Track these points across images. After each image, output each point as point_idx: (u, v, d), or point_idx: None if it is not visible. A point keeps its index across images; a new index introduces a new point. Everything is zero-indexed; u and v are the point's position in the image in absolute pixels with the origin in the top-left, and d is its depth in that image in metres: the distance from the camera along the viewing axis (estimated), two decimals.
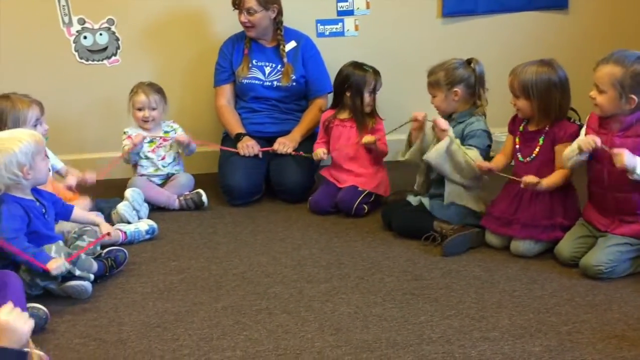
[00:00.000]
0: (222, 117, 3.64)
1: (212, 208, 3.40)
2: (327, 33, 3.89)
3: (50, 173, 2.86)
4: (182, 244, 2.99)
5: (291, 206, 3.37)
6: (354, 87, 3.22)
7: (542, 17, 3.94)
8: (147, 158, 3.45)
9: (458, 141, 2.78)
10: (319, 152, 3.31)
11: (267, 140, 3.56)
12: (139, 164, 3.47)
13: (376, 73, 3.27)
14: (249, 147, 3.45)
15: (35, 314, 2.27)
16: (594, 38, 3.92)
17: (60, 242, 2.50)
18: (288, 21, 3.62)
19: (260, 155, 3.47)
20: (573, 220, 2.70)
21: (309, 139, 3.51)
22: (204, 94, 3.80)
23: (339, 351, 2.11)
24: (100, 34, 3.77)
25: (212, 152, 3.74)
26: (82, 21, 3.73)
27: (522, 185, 2.65)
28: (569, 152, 2.55)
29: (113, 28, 3.77)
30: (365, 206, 3.19)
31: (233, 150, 3.47)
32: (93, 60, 3.81)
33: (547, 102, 2.63)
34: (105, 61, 3.82)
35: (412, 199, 3.03)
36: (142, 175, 3.45)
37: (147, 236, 3.04)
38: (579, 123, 2.69)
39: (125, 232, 2.98)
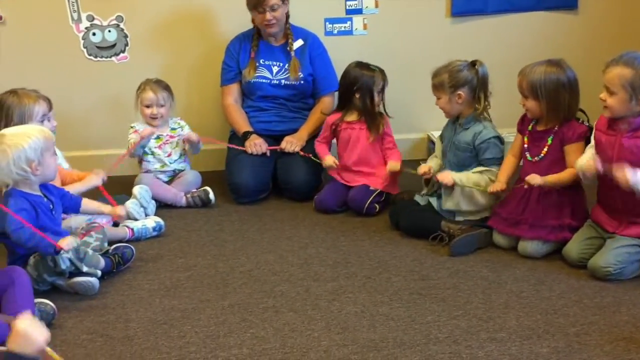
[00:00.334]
0: (229, 116, 3.64)
1: (219, 206, 3.40)
2: (335, 32, 3.88)
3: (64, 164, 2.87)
4: (189, 241, 2.99)
5: (298, 204, 3.37)
6: (364, 88, 3.20)
7: (551, 17, 3.92)
8: (153, 154, 3.45)
9: (463, 177, 2.80)
10: (329, 160, 3.30)
11: (274, 138, 3.56)
12: (144, 160, 3.48)
13: (382, 72, 3.26)
14: (256, 145, 3.45)
15: (43, 309, 2.28)
16: (603, 39, 3.90)
17: (72, 235, 2.50)
18: (297, 20, 3.61)
19: (268, 154, 3.47)
20: (581, 221, 2.69)
21: (316, 138, 3.50)
22: (211, 92, 3.80)
23: (346, 350, 2.11)
24: (109, 31, 3.77)
25: (219, 149, 3.74)
26: (91, 18, 3.74)
27: (525, 186, 2.64)
28: (581, 163, 2.54)
29: (122, 25, 3.77)
30: (377, 205, 3.18)
31: (241, 148, 3.47)
32: (101, 57, 3.81)
33: (555, 102, 2.62)
34: (113, 58, 3.82)
35: (420, 199, 3.02)
36: (147, 171, 3.46)
37: (154, 233, 3.05)
38: (587, 124, 2.68)
39: (132, 229, 2.99)
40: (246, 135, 3.52)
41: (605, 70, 2.46)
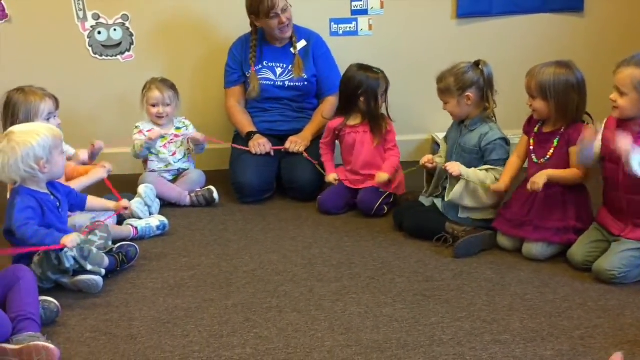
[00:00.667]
0: (232, 118, 3.64)
1: (223, 205, 3.40)
2: (340, 32, 3.88)
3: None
4: (192, 241, 2.99)
5: (302, 204, 3.37)
6: (370, 92, 3.18)
7: (557, 19, 3.92)
8: (158, 153, 3.46)
9: (470, 172, 2.79)
10: (330, 177, 3.31)
11: (278, 138, 3.56)
12: (149, 159, 3.48)
13: (384, 74, 3.25)
14: (260, 145, 3.45)
15: (47, 307, 2.28)
16: (608, 41, 3.90)
17: (76, 233, 2.50)
18: (302, 20, 3.61)
19: (272, 154, 3.47)
20: (586, 223, 2.69)
21: (320, 138, 3.50)
22: (215, 91, 3.80)
23: (349, 351, 2.11)
24: (115, 30, 3.78)
25: (223, 149, 3.74)
26: (96, 16, 3.74)
27: (529, 188, 2.63)
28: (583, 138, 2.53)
29: (127, 24, 3.77)
30: (385, 207, 3.17)
31: (245, 148, 3.47)
32: (107, 56, 3.82)
33: (564, 104, 2.61)
34: (118, 56, 3.83)
35: (425, 200, 3.02)
36: (152, 170, 3.46)
37: (158, 232, 3.05)
38: (592, 125, 2.67)
39: (136, 228, 2.99)
40: (250, 135, 3.53)
41: (616, 71, 2.45)
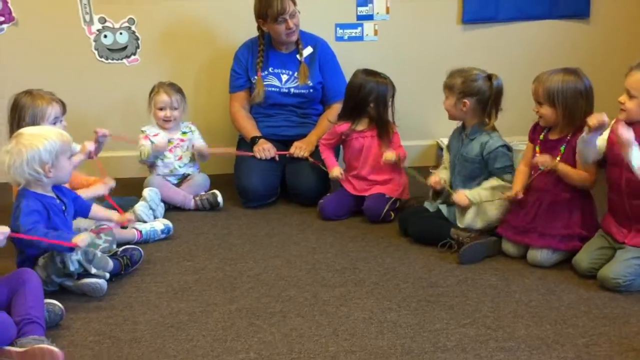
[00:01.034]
0: (236, 122, 3.64)
1: (227, 209, 3.40)
2: (346, 37, 3.89)
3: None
4: (197, 244, 2.99)
5: (306, 209, 3.37)
6: (380, 98, 3.17)
7: (563, 25, 3.92)
8: (164, 157, 3.46)
9: (477, 195, 2.79)
10: (336, 171, 3.29)
11: (283, 143, 3.56)
12: (155, 164, 3.48)
13: (390, 79, 3.24)
14: (265, 150, 3.45)
15: (51, 310, 2.28)
16: (615, 48, 3.90)
17: (88, 231, 2.50)
18: (308, 25, 3.61)
19: (277, 158, 3.47)
20: (591, 230, 2.68)
21: None
22: (220, 95, 3.81)
23: (353, 356, 2.10)
24: (121, 33, 3.79)
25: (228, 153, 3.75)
26: (102, 20, 3.76)
27: (535, 160, 2.63)
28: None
29: (133, 27, 3.79)
30: (392, 213, 3.17)
31: (250, 154, 3.47)
32: (112, 59, 3.83)
33: (573, 110, 2.60)
34: (124, 60, 3.84)
35: (430, 205, 3.01)
36: (157, 174, 3.46)
37: (163, 235, 3.05)
38: None
39: (140, 231, 2.99)
40: (254, 140, 3.53)
41: (628, 74, 2.45)
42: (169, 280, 2.65)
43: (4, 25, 3.72)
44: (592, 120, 2.40)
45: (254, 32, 3.59)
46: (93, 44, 3.79)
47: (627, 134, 2.34)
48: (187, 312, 2.39)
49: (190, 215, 3.33)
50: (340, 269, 2.71)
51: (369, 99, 3.18)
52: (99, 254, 2.54)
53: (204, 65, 3.89)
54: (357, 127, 3.27)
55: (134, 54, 3.83)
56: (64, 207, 2.53)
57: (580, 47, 3.90)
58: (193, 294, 2.53)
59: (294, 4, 3.41)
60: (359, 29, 3.89)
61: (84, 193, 2.87)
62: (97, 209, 2.73)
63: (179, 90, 3.46)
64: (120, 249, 2.74)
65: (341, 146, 3.40)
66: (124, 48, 3.82)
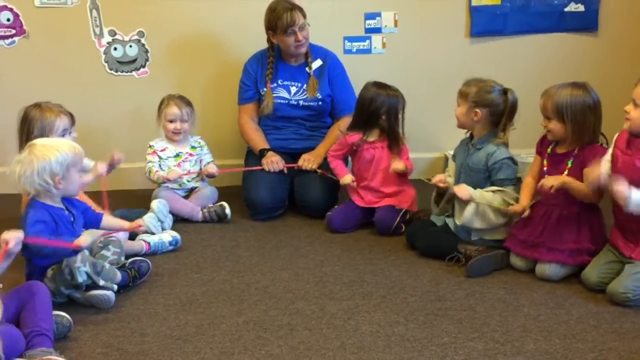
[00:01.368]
0: (245, 135, 3.65)
1: (235, 221, 3.41)
2: (354, 50, 3.91)
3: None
4: (204, 256, 3.00)
5: (314, 222, 3.37)
6: (392, 111, 3.18)
7: (571, 38, 3.92)
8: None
9: (478, 194, 2.77)
10: (347, 178, 3.28)
11: (292, 155, 3.57)
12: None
13: (400, 92, 3.25)
14: (273, 162, 3.46)
15: (59, 322, 2.28)
16: (622, 61, 3.90)
17: (86, 252, 2.52)
18: (316, 38, 3.63)
19: (285, 171, 3.47)
20: (600, 244, 2.67)
21: None
22: (228, 108, 3.82)
23: None
24: (130, 46, 3.82)
25: (235, 164, 3.76)
26: (112, 33, 3.79)
27: (539, 185, 2.63)
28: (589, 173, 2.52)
29: (143, 40, 3.82)
30: (403, 225, 3.17)
31: (257, 168, 3.47)
32: (122, 72, 3.86)
33: (581, 125, 2.60)
34: (134, 72, 3.87)
35: (437, 219, 3.01)
36: (166, 186, 3.47)
37: (171, 247, 3.06)
38: (606, 146, 2.66)
39: (149, 243, 3.00)
40: (263, 152, 3.54)
41: (637, 84, 2.45)
42: (177, 292, 2.65)
43: (16, 38, 3.75)
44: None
45: (262, 45, 3.61)
46: (103, 56, 3.82)
47: (622, 189, 2.34)
48: (195, 325, 2.39)
49: (198, 227, 3.34)
50: (348, 282, 2.71)
51: (380, 112, 3.19)
52: (107, 265, 2.55)
53: (213, 78, 3.91)
54: (369, 138, 3.27)
55: (144, 66, 3.86)
56: (72, 219, 2.54)
57: (588, 60, 3.90)
58: (200, 306, 2.53)
59: (304, 16, 3.43)
60: (367, 41, 3.91)
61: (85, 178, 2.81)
62: (108, 219, 2.74)
63: (189, 103, 3.49)
64: (128, 260, 2.74)
65: (349, 158, 3.41)
66: (134, 60, 3.85)
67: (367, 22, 3.88)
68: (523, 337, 2.26)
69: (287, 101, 3.58)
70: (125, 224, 2.75)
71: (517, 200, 2.79)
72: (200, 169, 3.55)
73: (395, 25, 3.88)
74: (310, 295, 2.60)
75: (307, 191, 3.42)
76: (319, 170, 3.44)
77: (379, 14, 3.86)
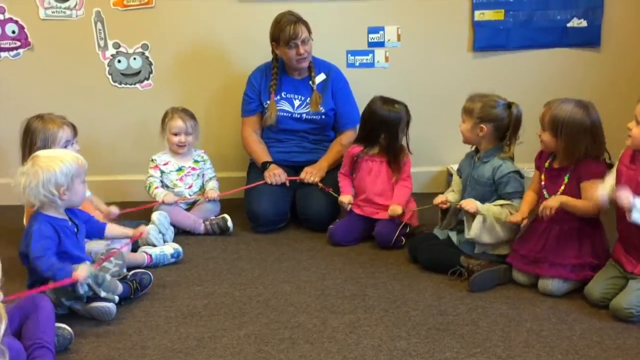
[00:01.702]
0: (248, 147, 3.65)
1: (237, 233, 3.41)
2: (357, 64, 3.92)
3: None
4: (206, 269, 2.99)
5: (316, 235, 3.36)
6: (392, 129, 3.19)
7: (573, 54, 3.93)
8: (174, 186, 3.48)
9: (486, 208, 2.78)
10: (346, 198, 3.29)
11: (294, 169, 3.57)
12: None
13: (406, 107, 3.25)
14: (275, 175, 3.46)
15: (60, 334, 2.28)
16: (625, 77, 3.90)
17: (88, 263, 2.51)
18: (319, 52, 3.64)
19: (288, 184, 3.47)
20: (602, 259, 2.66)
21: (336, 169, 3.50)
22: (231, 121, 3.83)
23: None
24: (134, 59, 3.84)
25: (238, 177, 3.76)
26: (117, 45, 3.81)
27: (541, 211, 2.62)
28: (596, 192, 2.52)
29: (147, 53, 3.83)
30: (403, 238, 3.16)
31: (260, 183, 3.47)
32: (126, 84, 3.87)
33: (573, 145, 2.60)
34: (137, 85, 3.88)
35: (439, 233, 3.00)
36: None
37: (172, 260, 3.05)
38: (609, 161, 2.66)
39: (150, 255, 3.00)
40: (265, 165, 3.54)
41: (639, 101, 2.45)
42: (178, 305, 2.64)
43: (20, 50, 3.77)
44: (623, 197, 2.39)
45: (266, 58, 3.62)
46: (107, 68, 3.84)
47: (626, 199, 2.35)
48: (196, 338, 2.39)
49: (200, 240, 3.33)
50: (350, 296, 2.70)
51: (380, 129, 3.20)
52: (108, 277, 2.55)
53: (217, 91, 3.92)
54: (370, 151, 3.28)
55: (147, 79, 3.87)
56: (76, 230, 2.54)
57: (591, 75, 3.91)
58: (202, 319, 2.52)
59: (309, 31, 3.45)
60: (370, 55, 3.92)
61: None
62: (111, 228, 2.75)
63: (192, 116, 3.50)
64: (130, 272, 2.74)
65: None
66: (138, 73, 3.86)
67: (370, 36, 3.89)
68: (525, 353, 2.25)
69: (290, 114, 3.59)
70: (129, 231, 2.77)
71: None
72: (203, 184, 3.55)
73: (399, 39, 3.89)
74: (312, 308, 2.59)
75: (310, 204, 3.42)
76: (320, 184, 3.44)
77: (382, 28, 3.88)
